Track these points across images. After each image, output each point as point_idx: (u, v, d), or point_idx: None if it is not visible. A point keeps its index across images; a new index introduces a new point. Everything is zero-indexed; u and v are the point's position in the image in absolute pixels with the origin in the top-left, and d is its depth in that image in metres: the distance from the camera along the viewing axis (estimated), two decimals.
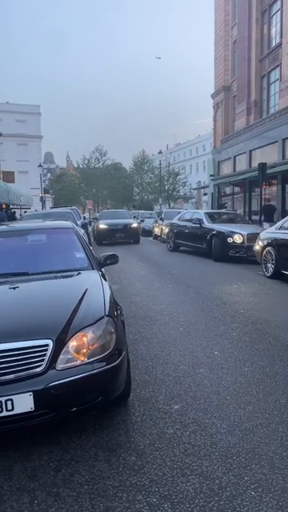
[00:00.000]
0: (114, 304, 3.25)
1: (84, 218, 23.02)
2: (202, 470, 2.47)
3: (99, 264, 4.25)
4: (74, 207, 19.87)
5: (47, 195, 49.78)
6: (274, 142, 21.14)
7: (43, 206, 42.13)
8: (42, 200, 43.33)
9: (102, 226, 18.51)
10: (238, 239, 11.89)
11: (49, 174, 58.42)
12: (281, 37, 21.45)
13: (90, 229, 19.67)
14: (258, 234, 10.67)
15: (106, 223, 18.56)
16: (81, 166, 59.58)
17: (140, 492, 2.29)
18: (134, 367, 3.87)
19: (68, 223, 5.06)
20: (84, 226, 13.62)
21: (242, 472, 2.44)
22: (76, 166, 64.20)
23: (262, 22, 24.18)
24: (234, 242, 11.93)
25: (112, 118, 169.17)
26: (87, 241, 4.65)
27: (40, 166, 45.84)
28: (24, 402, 2.48)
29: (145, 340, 4.86)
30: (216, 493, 2.27)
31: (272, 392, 3.49)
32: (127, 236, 18.44)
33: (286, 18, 20.26)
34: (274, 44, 22.93)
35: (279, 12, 21.85)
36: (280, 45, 21.49)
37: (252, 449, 2.67)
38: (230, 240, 12.00)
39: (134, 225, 19.01)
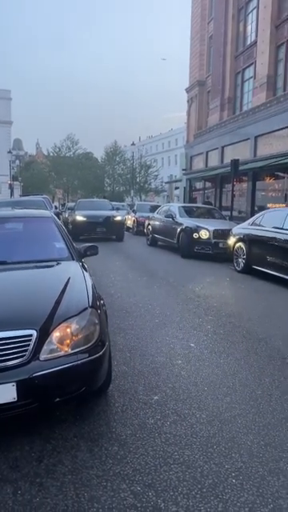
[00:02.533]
0: (96, 294, 3.24)
1: (55, 207, 22.66)
2: (184, 458, 2.52)
3: (79, 255, 4.22)
4: (45, 196, 19.51)
5: (16, 183, 48.63)
6: (246, 139, 21.49)
7: (12, 194, 41.16)
8: (11, 187, 42.33)
9: (80, 218, 15.43)
10: (203, 235, 11.38)
11: (17, 161, 57.02)
12: (256, 35, 21.74)
13: (61, 219, 19.06)
14: (228, 230, 10.78)
15: (85, 215, 15.51)
16: (51, 154, 58.49)
17: (124, 481, 2.32)
18: (113, 358, 3.87)
19: (47, 212, 4.98)
20: (56, 216, 13.29)
21: (222, 460, 2.51)
22: (46, 153, 62.92)
23: (238, 19, 24.39)
24: (199, 237, 11.42)
25: (85, 107, 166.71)
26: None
27: (9, 152, 44.69)
28: (7, 392, 2.44)
29: (121, 332, 4.88)
30: (198, 481, 2.33)
31: (248, 383, 3.59)
32: (109, 231, 15.61)
33: (262, 16, 20.53)
34: (249, 42, 23.22)
35: (255, 10, 22.12)
36: (255, 43, 21.78)
37: (231, 438, 2.75)
38: (195, 236, 11.49)
39: (118, 218, 15.95)
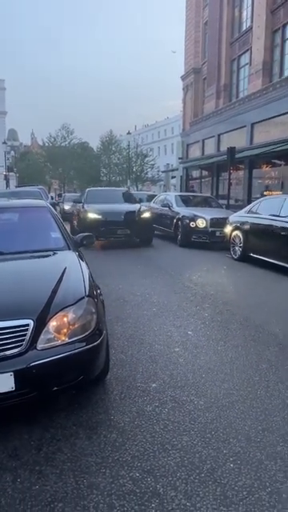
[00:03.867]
0: (93, 284, 3.23)
1: (52, 197, 22.54)
2: (182, 444, 2.54)
3: (75, 244, 4.20)
4: (41, 186, 19.41)
5: (11, 174, 48.32)
6: (243, 127, 21.36)
7: (7, 185, 40.91)
8: (6, 179, 42.05)
9: (93, 215, 10.97)
10: (200, 224, 11.42)
11: (12, 152, 56.55)
12: (251, 21, 21.48)
13: (58, 210, 18.75)
14: (225, 218, 10.77)
15: (100, 211, 11.02)
16: (46, 144, 58.04)
17: (123, 467, 2.33)
18: (110, 347, 3.86)
19: (42, 202, 4.95)
20: (52, 206, 13.21)
21: (220, 446, 2.53)
22: (41, 144, 62.43)
23: (233, 4, 24.08)
24: (196, 226, 11.46)
25: (80, 97, 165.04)
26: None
27: (4, 142, 44.32)
28: (5, 382, 2.45)
29: (119, 320, 4.88)
30: (197, 466, 2.34)
31: (245, 370, 3.61)
32: (134, 232, 11.21)
33: (257, 1, 20.26)
34: (244, 28, 22.96)
35: None
36: (250, 29, 21.53)
37: (229, 424, 2.76)
38: (192, 224, 11.52)
39: (146, 214, 11.59)
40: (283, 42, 19.06)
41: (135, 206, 11.93)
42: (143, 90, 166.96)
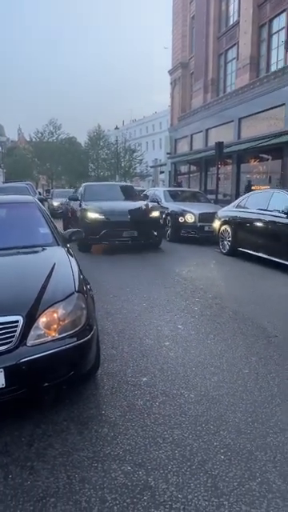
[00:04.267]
0: (83, 279, 3.23)
1: (39, 193, 22.35)
2: (174, 437, 2.56)
3: (64, 240, 4.18)
4: (28, 182, 19.25)
5: None
6: (230, 122, 21.40)
7: None
8: None
9: (94, 215, 9.47)
10: (189, 219, 11.44)
11: None
12: (238, 15, 21.47)
13: (46, 206, 18.45)
14: (213, 213, 10.81)
15: (101, 210, 9.54)
16: (33, 140, 57.50)
17: (114, 461, 2.34)
18: (101, 342, 3.87)
19: (30, 198, 4.92)
20: (40, 202, 12.99)
21: (211, 438, 2.56)
22: (28, 139, 61.84)
23: None
24: (185, 221, 11.47)
25: (67, 92, 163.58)
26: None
27: None
28: None
29: (109, 316, 4.88)
30: (188, 458, 2.37)
31: (235, 363, 3.64)
32: (143, 234, 9.61)
33: None
34: (231, 22, 22.93)
35: None
36: (237, 23, 21.52)
37: (219, 416, 2.79)
38: (181, 219, 11.54)
39: (155, 212, 10.25)
40: (270, 36, 19.10)
41: (142, 204, 10.51)
42: (131, 85, 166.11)
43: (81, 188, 11.87)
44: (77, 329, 2.74)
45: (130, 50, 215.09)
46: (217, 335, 4.33)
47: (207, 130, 24.61)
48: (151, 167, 45.90)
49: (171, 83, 32.07)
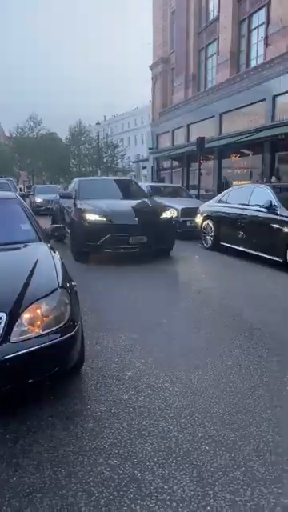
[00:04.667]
0: (66, 275, 3.21)
1: (20, 189, 22.09)
2: (159, 430, 2.58)
3: (47, 236, 4.16)
4: (9, 178, 18.99)
5: None
6: (211, 117, 21.49)
7: None
8: None
9: (93, 216, 7.91)
10: (172, 214, 11.32)
11: None
12: (218, 10, 21.53)
13: (28, 202, 18.02)
14: (195, 208, 10.86)
15: (102, 211, 7.96)
16: (13, 135, 56.72)
17: (100, 455, 2.35)
18: (85, 338, 3.87)
19: (12, 193, 4.86)
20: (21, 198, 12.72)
21: (196, 430, 2.59)
22: (8, 135, 60.98)
23: None
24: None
25: (47, 86, 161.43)
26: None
27: None
28: None
29: (94, 312, 4.87)
30: (173, 450, 2.39)
31: (218, 355, 3.69)
32: (152, 240, 7.93)
33: None
34: (211, 17, 22.99)
35: None
36: (217, 18, 21.58)
37: (204, 408, 2.83)
38: None
39: (166, 214, 8.62)
40: (249, 32, 19.22)
41: (151, 203, 8.99)
42: (112, 80, 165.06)
43: (73, 183, 10.20)
44: (61, 325, 2.73)
45: (111, 45, 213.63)
46: (201, 328, 4.37)
47: (189, 126, 24.67)
48: (133, 162, 45.84)
49: (152, 78, 32.00)
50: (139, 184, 11.46)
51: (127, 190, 10.10)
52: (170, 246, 8.55)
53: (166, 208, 8.95)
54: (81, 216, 7.99)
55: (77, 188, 9.35)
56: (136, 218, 7.83)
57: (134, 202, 8.75)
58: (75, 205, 8.58)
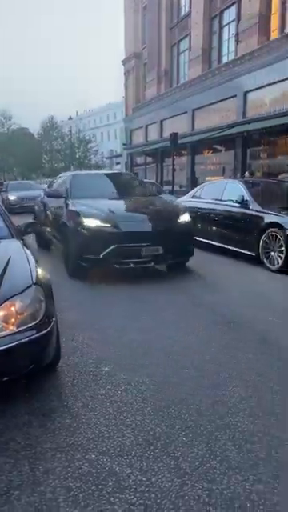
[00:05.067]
0: (41, 272, 3.18)
1: None
2: (136, 424, 2.60)
3: (19, 232, 4.09)
4: None
5: None
6: (184, 113, 21.62)
7: None
8: None
9: (94, 222, 6.18)
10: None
11: None
12: (190, 6, 21.62)
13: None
14: None
15: (107, 214, 6.29)
16: None
17: (78, 451, 2.35)
18: (61, 335, 3.85)
19: None
20: None
21: (173, 422, 2.62)
22: None
23: None
24: None
25: (18, 81, 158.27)
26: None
27: None
28: None
29: (70, 309, 4.83)
30: (151, 442, 2.41)
31: (196, 350, 3.73)
32: (170, 250, 6.33)
33: None
34: (183, 13, 23.08)
35: None
36: (189, 14, 21.69)
37: (180, 400, 2.86)
38: None
39: (184, 217, 6.88)
40: (221, 28, 19.40)
41: (164, 202, 7.78)
42: (85, 75, 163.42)
43: (62, 179, 8.51)
44: (36, 322, 2.71)
45: (84, 38, 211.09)
46: (178, 323, 4.41)
47: (162, 121, 24.75)
48: (107, 158, 45.63)
49: (125, 73, 31.89)
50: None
51: (129, 186, 8.58)
52: (188, 257, 6.87)
53: (183, 209, 7.26)
54: (77, 221, 6.25)
55: (68, 185, 7.52)
56: (149, 224, 6.21)
57: (143, 202, 7.38)
58: (67, 206, 6.84)
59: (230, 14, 18.53)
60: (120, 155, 35.70)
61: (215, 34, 19.76)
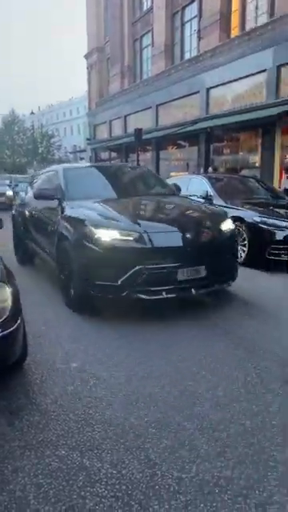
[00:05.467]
0: (5, 269, 3.12)
1: None
2: (106, 418, 2.61)
3: None
4: None
5: None
6: (148, 108, 21.64)
7: None
8: None
9: (110, 234, 4.30)
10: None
11: None
12: (152, 1, 21.60)
13: None
14: None
15: (126, 224, 4.49)
16: None
17: (48, 447, 2.34)
18: (28, 333, 3.79)
19: None
20: None
21: (142, 414, 2.65)
22: None
23: None
24: None
25: None
26: None
27: None
28: None
29: (37, 306, 4.77)
30: (121, 436, 2.43)
31: (161, 342, 3.77)
32: (215, 271, 4.58)
33: None
34: (145, 8, 23.03)
35: None
36: (151, 9, 21.67)
37: (149, 394, 2.89)
38: None
39: (227, 224, 5.04)
40: (183, 24, 19.52)
41: (199, 206, 5.76)
42: (47, 70, 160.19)
43: (47, 174, 6.62)
44: (1, 320, 2.66)
45: (46, 32, 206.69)
46: (144, 319, 4.44)
47: (126, 116, 24.67)
48: (70, 153, 45.06)
49: (87, 68, 31.53)
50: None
51: (142, 183, 6.78)
52: (233, 279, 5.00)
53: (222, 213, 5.60)
54: (82, 233, 4.49)
55: (61, 183, 5.58)
56: (187, 235, 4.48)
57: (168, 205, 5.56)
58: (63, 210, 5.10)
59: (192, 11, 18.66)
60: (84, 150, 35.33)
61: (177, 30, 19.85)
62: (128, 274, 4.15)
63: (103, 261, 4.25)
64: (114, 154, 27.52)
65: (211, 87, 16.77)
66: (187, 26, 19.25)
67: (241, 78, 15.02)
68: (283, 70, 13.30)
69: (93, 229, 4.37)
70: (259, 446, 2.32)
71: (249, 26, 15.22)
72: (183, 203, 5.74)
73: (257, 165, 15.00)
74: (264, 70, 13.86)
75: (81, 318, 4.40)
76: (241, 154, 16.23)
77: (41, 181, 6.75)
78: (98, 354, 3.49)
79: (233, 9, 16.02)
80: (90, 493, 2.00)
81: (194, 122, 17.01)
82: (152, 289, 4.23)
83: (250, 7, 15.29)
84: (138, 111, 22.94)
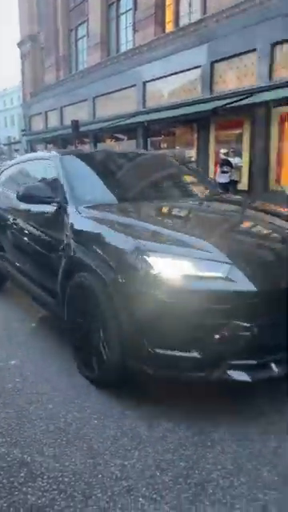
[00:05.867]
0: None
1: None
2: (47, 413, 2.59)
3: None
4: None
5: None
6: (85, 100, 21.36)
7: None
8: None
9: (184, 268, 2.37)
10: None
11: None
12: None
13: None
14: None
15: (206, 256, 2.44)
16: None
17: None
18: None
19: None
20: None
21: (84, 407, 2.65)
22: None
23: None
24: None
25: None
26: None
27: None
28: None
29: None
30: (63, 429, 2.43)
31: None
32: None
33: None
34: None
35: None
36: None
37: (87, 385, 2.89)
38: None
39: None
40: (118, 16, 19.42)
41: (277, 210, 3.63)
42: None
43: (27, 166, 4.48)
44: None
45: None
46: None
47: (62, 108, 24.17)
48: (4, 145, 43.36)
49: (21, 57, 30.39)
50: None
51: (184, 181, 4.53)
52: None
53: None
54: (127, 264, 2.57)
55: (61, 176, 3.53)
56: None
57: (244, 213, 3.60)
58: (72, 223, 3.13)
59: (127, 3, 18.61)
60: (19, 142, 34.14)
61: (113, 21, 19.72)
62: (217, 337, 2.35)
63: (169, 314, 2.39)
64: (50, 146, 26.88)
65: (147, 81, 16.87)
66: (123, 18, 19.19)
67: (176, 73, 15.25)
68: (216, 66, 13.70)
69: (149, 258, 2.47)
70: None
71: (183, 21, 15.48)
72: (260, 209, 3.72)
73: (193, 159, 15.36)
74: (199, 66, 14.18)
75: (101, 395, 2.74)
76: (177, 148, 16.54)
77: (13, 175, 4.68)
78: None
79: (167, 3, 16.19)
80: (31, 488, 1.98)
81: (132, 116, 17.05)
82: (256, 362, 2.41)
83: (184, 3, 15.55)
84: (74, 103, 22.55)
